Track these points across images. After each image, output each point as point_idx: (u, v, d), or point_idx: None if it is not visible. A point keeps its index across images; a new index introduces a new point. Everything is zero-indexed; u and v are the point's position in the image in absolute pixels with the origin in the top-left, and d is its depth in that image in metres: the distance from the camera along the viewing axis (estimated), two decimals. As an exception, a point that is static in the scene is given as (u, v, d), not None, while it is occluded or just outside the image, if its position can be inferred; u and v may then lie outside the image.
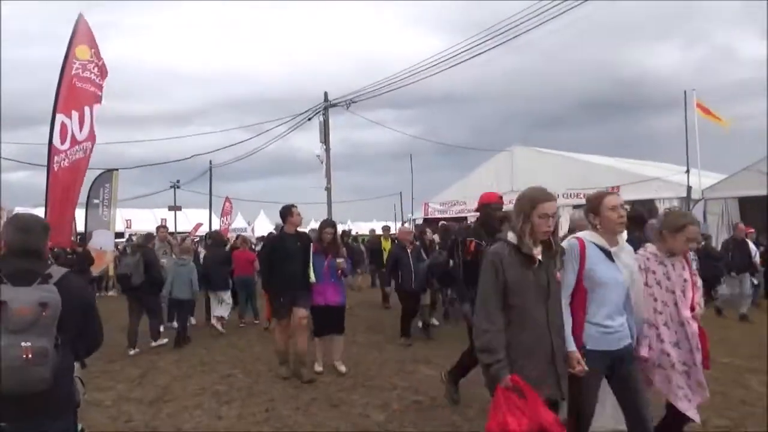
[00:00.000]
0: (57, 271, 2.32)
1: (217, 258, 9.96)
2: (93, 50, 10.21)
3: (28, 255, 2.35)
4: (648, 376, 3.19)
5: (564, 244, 2.97)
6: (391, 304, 10.99)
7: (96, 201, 13.60)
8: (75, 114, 10.11)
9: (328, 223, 6.79)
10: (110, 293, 16.40)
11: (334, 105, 19.68)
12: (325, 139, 19.83)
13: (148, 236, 9.72)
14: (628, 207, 3.47)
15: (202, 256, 11.05)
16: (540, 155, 21.95)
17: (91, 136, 10.48)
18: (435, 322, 9.09)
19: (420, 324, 8.61)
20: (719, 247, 11.50)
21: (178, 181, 36.43)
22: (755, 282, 10.77)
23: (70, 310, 2.25)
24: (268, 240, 7.50)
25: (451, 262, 5.11)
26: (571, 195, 19.49)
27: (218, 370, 6.74)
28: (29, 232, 2.39)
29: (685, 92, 16.45)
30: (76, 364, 2.55)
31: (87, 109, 10.28)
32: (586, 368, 2.77)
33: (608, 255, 2.99)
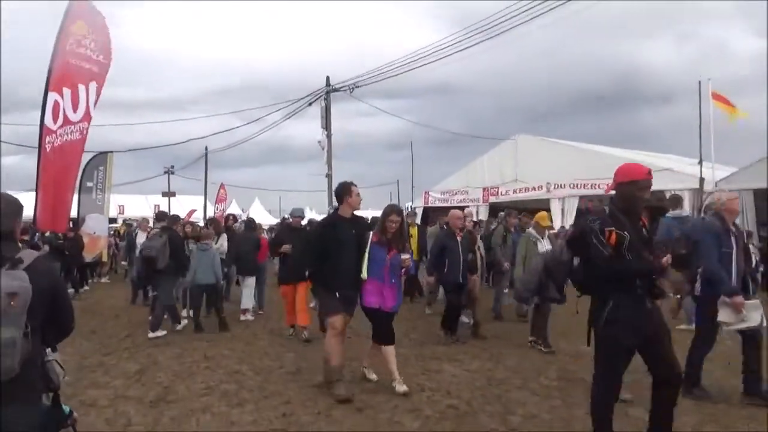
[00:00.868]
0: (28, 255, 2.19)
1: (249, 242, 9.78)
2: (90, 24, 9.60)
3: None
4: None
5: None
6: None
7: (89, 184, 13.08)
8: (67, 92, 9.48)
9: (394, 209, 5.27)
10: (103, 280, 15.83)
11: (337, 90, 19.12)
12: (327, 124, 19.30)
13: (174, 218, 9.62)
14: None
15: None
16: (545, 144, 21.43)
17: (87, 117, 9.88)
18: (465, 319, 8.22)
19: (469, 321, 8.01)
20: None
21: (172, 167, 36.03)
22: None
23: (40, 295, 2.15)
24: (319, 223, 6.39)
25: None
26: (578, 185, 19.09)
27: (224, 366, 6.23)
28: None
29: (699, 82, 16.01)
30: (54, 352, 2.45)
31: (82, 87, 9.65)
32: None
33: None
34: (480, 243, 8.60)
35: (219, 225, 10.29)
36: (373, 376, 5.47)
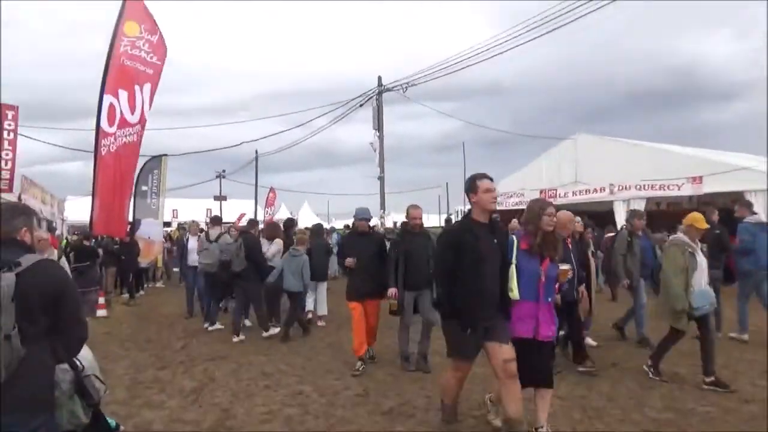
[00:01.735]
0: (29, 259, 2.15)
1: (320, 248, 9.52)
2: (143, 26, 9.39)
3: None
4: None
5: None
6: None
7: (144, 188, 12.99)
8: (124, 94, 9.30)
9: (547, 202, 4.14)
10: (158, 284, 15.81)
11: (389, 90, 18.61)
12: (379, 125, 18.80)
13: (252, 222, 9.65)
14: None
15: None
16: (607, 143, 20.33)
17: (142, 119, 9.68)
18: (591, 342, 7.26)
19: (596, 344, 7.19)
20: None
21: (223, 171, 36.55)
22: None
23: (41, 299, 2.11)
24: (447, 233, 4.60)
25: None
26: (644, 187, 17.94)
27: (284, 384, 5.76)
28: None
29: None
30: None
31: (137, 89, 9.49)
32: None
33: None
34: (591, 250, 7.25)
35: (275, 229, 9.84)
36: (498, 423, 4.29)
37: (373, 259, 6.41)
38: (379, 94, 18.70)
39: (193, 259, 10.26)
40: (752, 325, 7.52)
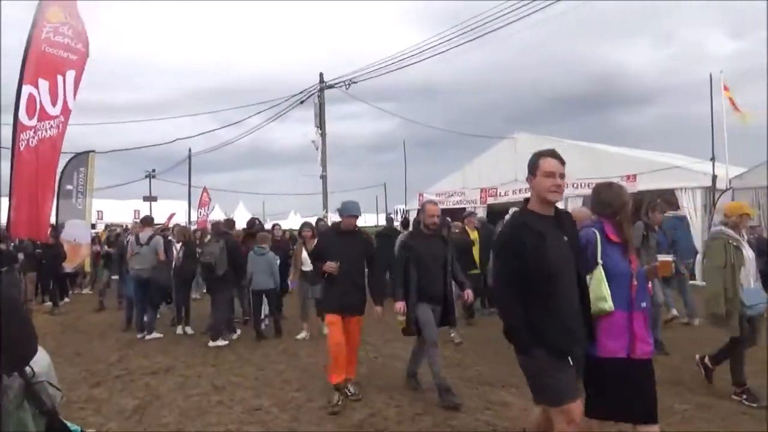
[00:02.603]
0: None
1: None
2: (68, 11, 8.58)
3: None
4: None
5: None
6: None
7: (69, 187, 11.91)
8: (44, 84, 8.40)
9: (623, 189, 3.27)
10: (85, 291, 14.64)
11: (331, 86, 18.17)
12: (321, 123, 18.32)
13: (230, 222, 9.37)
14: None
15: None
16: (545, 143, 20.66)
17: (65, 110, 8.82)
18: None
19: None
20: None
21: (153, 171, 34.95)
22: None
23: None
24: (502, 233, 3.44)
25: None
26: (581, 185, 18.39)
27: (239, 399, 5.26)
28: None
29: (710, 75, 15.44)
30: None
31: (60, 78, 8.63)
32: None
33: None
34: None
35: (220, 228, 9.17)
36: None
37: (358, 263, 5.30)
38: (321, 90, 18.23)
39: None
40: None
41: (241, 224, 12.31)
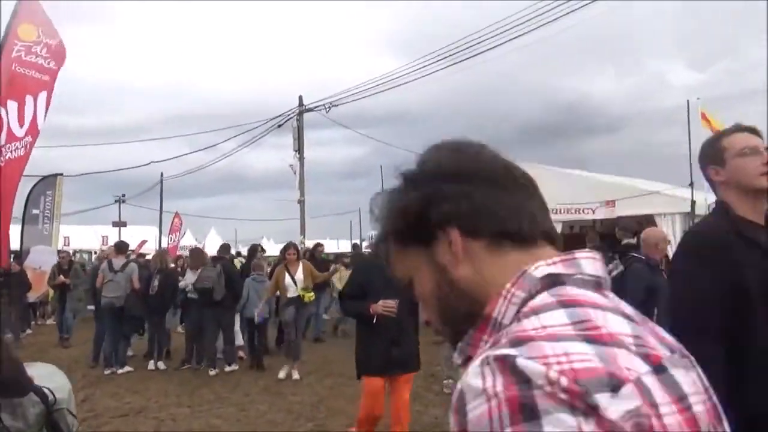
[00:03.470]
0: None
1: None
2: (41, 29, 8.21)
3: None
4: None
5: None
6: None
7: (36, 212, 11.31)
8: (13, 105, 8.06)
9: None
10: (48, 321, 13.87)
11: (311, 110, 17.94)
12: (299, 147, 18.02)
13: (225, 247, 9.33)
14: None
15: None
16: (525, 168, 20.67)
17: (33, 130, 8.39)
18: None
19: None
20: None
21: (123, 195, 34.14)
22: None
23: None
24: (697, 256, 1.85)
25: None
26: (560, 210, 18.39)
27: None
28: None
29: (688, 101, 15.67)
30: None
31: (30, 99, 8.20)
32: None
33: None
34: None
35: (201, 256, 8.55)
36: None
37: (406, 305, 3.82)
38: (300, 114, 17.97)
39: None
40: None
41: (211, 251, 11.77)
